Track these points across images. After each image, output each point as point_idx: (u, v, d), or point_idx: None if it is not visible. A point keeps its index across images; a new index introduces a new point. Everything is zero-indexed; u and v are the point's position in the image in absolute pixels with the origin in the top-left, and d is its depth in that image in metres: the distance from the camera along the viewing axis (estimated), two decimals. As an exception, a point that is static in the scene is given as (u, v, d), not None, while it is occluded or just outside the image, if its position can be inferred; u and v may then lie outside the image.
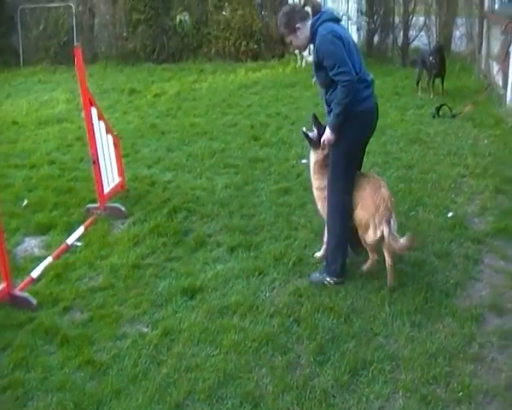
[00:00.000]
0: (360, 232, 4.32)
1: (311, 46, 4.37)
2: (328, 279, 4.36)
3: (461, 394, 3.26)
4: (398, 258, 4.63)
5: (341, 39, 4.07)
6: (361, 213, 4.27)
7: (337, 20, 4.31)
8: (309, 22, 4.18)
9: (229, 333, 3.84)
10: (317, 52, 4.13)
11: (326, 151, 4.37)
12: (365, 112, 4.24)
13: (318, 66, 4.16)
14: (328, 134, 4.21)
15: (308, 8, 4.24)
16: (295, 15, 4.20)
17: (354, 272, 4.47)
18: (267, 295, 4.29)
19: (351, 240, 4.48)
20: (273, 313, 4.04)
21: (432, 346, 3.65)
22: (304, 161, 6.79)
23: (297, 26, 4.17)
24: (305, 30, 4.19)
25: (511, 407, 3.16)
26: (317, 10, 4.21)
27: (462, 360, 3.53)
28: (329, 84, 4.17)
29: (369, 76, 4.33)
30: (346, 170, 4.31)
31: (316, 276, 4.45)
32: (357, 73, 4.09)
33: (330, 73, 4.05)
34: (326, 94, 4.27)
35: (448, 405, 3.20)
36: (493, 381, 3.36)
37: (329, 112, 4.28)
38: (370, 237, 4.24)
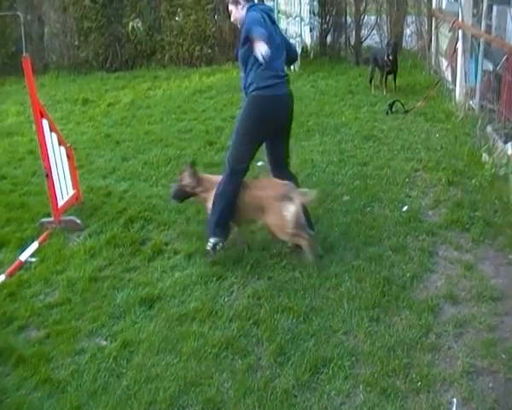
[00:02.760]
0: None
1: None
2: (210, 241, 4.74)
3: (419, 384, 3.33)
4: (355, 254, 4.72)
5: (265, 22, 4.49)
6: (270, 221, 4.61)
7: (268, 11, 4.77)
8: (246, 6, 4.64)
9: (188, 340, 3.82)
10: (245, 32, 4.44)
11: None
12: (268, 97, 4.54)
13: (243, 41, 4.49)
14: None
15: None
16: None
17: (312, 271, 4.49)
18: (226, 299, 4.29)
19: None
20: (232, 317, 4.04)
21: (390, 339, 3.71)
22: (260, 163, 6.79)
23: (238, 4, 4.67)
24: (242, 10, 4.66)
25: (467, 392, 3.23)
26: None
27: (419, 351, 3.61)
28: (247, 63, 4.53)
29: (283, 72, 4.70)
30: (242, 147, 4.67)
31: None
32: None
33: (249, 35, 4.33)
34: (244, 73, 4.63)
35: (407, 395, 3.26)
36: (450, 368, 3.45)
37: (245, 88, 4.65)
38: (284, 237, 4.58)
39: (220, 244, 4.75)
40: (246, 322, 3.98)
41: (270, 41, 4.29)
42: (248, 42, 4.39)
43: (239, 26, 4.74)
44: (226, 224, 4.77)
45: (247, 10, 4.61)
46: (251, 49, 4.31)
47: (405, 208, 5.53)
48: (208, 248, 4.76)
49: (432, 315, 3.93)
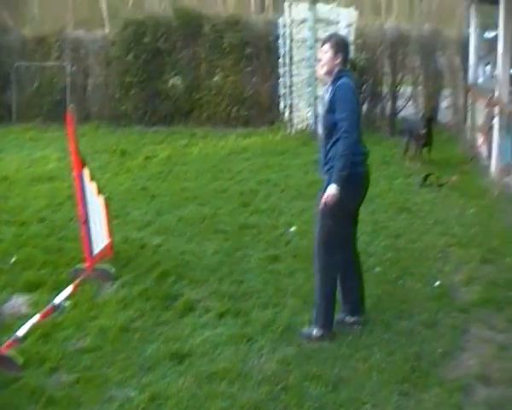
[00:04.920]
0: None
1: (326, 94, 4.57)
2: (315, 332, 4.51)
3: None
4: (385, 327, 4.71)
5: (356, 98, 4.48)
6: None
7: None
8: (341, 66, 4.45)
9: (216, 400, 3.81)
10: (335, 92, 4.34)
11: None
12: (357, 175, 4.37)
13: (330, 106, 4.37)
14: (332, 189, 4.24)
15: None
16: (347, 50, 4.56)
17: (342, 341, 4.49)
18: (255, 362, 4.28)
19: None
20: (261, 381, 4.03)
21: (419, 416, 3.67)
22: (292, 229, 6.89)
23: (340, 54, 4.43)
24: (337, 63, 4.44)
25: None
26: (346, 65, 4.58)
27: (449, 432, 3.56)
28: (332, 130, 4.34)
29: (366, 147, 4.54)
30: (336, 231, 4.45)
31: (304, 332, 4.60)
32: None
33: (338, 116, 4.27)
34: (326, 144, 4.44)
35: None
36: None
37: (325, 163, 4.44)
38: None
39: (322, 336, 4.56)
40: (274, 387, 3.96)
41: (355, 110, 4.39)
42: (333, 111, 4.33)
43: (323, 73, 4.57)
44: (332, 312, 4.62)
45: (342, 73, 4.43)
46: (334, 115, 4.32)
47: (437, 284, 5.51)
48: (311, 335, 4.57)
49: (463, 395, 3.86)
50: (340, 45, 4.47)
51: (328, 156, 4.41)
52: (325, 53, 4.45)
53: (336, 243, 4.52)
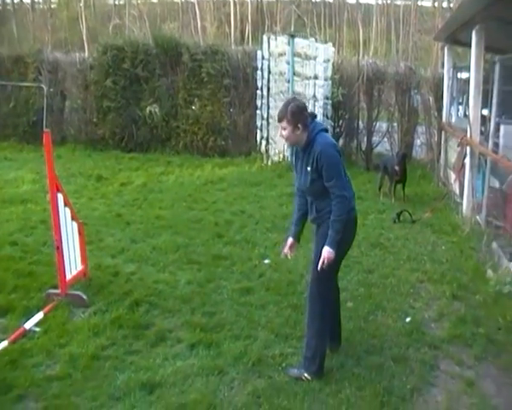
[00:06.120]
0: None
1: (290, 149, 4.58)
2: (306, 375, 4.48)
3: None
4: (356, 362, 4.76)
5: (339, 154, 4.40)
6: None
7: (327, 131, 4.56)
8: (306, 129, 4.36)
9: (186, 432, 3.83)
10: (317, 160, 4.28)
11: None
12: (350, 220, 4.44)
13: (315, 173, 4.33)
14: (328, 252, 4.30)
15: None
16: (304, 114, 4.37)
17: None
18: (226, 394, 4.30)
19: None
20: (231, 413, 4.05)
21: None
22: (267, 261, 6.93)
23: (299, 125, 4.32)
24: (302, 132, 4.35)
25: None
26: (311, 117, 4.45)
27: None
28: (321, 194, 4.37)
29: (352, 190, 4.55)
30: (330, 274, 4.51)
31: (293, 371, 4.56)
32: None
33: (327, 184, 4.29)
34: (315, 200, 4.48)
35: None
36: None
37: (315, 219, 4.51)
38: None
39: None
40: (244, 419, 4.00)
41: (341, 170, 4.36)
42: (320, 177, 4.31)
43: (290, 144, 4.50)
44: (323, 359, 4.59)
45: (314, 132, 4.36)
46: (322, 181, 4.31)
47: (408, 319, 5.60)
48: (302, 376, 4.51)
49: (431, 432, 3.95)
50: (296, 114, 4.31)
51: (317, 210, 4.47)
52: (284, 129, 4.37)
53: (330, 285, 4.63)
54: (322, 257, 4.31)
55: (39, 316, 5.34)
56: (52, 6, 43.51)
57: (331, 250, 4.30)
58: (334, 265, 4.44)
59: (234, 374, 4.55)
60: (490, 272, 6.60)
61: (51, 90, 15.51)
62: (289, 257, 4.82)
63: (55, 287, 5.80)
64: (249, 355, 4.77)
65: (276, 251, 7.00)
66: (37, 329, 5.16)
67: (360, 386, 4.42)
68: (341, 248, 4.44)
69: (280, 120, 4.38)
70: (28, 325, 5.17)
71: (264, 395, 4.28)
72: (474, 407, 4.23)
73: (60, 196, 5.78)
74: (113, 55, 14.81)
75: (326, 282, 4.53)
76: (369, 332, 5.31)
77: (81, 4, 41.92)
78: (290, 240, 4.77)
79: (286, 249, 4.78)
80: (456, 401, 4.30)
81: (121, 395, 4.23)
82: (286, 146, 13.03)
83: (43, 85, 15.38)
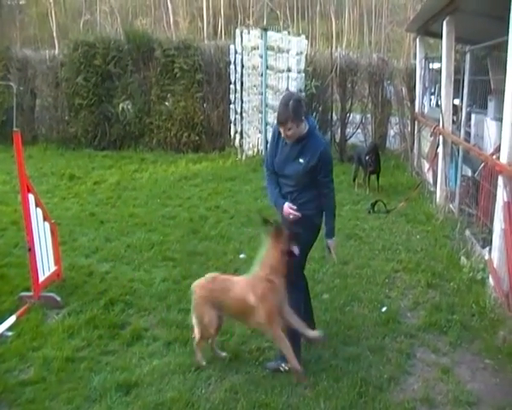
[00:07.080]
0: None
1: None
2: (283, 365, 4.48)
3: None
4: (333, 353, 4.77)
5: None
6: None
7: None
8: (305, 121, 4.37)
9: (163, 431, 3.80)
10: (318, 157, 4.32)
11: None
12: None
13: (309, 167, 4.34)
14: (333, 241, 4.73)
15: None
16: (302, 104, 4.33)
17: (288, 368, 4.50)
18: (203, 391, 4.28)
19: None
20: (209, 410, 4.02)
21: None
22: (242, 255, 6.91)
23: (303, 117, 4.30)
24: (303, 125, 4.35)
25: None
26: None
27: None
28: (306, 185, 4.44)
29: None
30: (302, 262, 4.67)
31: (271, 364, 4.57)
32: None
33: (324, 179, 4.40)
34: (296, 190, 4.48)
35: None
36: None
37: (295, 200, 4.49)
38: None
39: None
40: (222, 416, 3.97)
41: None
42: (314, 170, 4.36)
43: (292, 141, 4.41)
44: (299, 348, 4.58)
45: (312, 128, 4.40)
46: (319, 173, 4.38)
47: (384, 309, 5.64)
48: (280, 367, 4.52)
49: (408, 419, 3.96)
50: (298, 109, 4.24)
51: (295, 199, 4.46)
52: (289, 129, 4.29)
53: (301, 273, 4.76)
54: (332, 250, 4.76)
55: (12, 320, 5.24)
56: (21, 2, 42.86)
57: (333, 238, 4.72)
58: (306, 252, 4.65)
59: (211, 371, 4.53)
60: (463, 260, 6.66)
61: (21, 88, 15.28)
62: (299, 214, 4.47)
63: (28, 289, 5.71)
64: (226, 351, 4.76)
65: (252, 245, 6.99)
66: (10, 333, 5.07)
67: (337, 377, 4.43)
68: (314, 238, 4.63)
69: (284, 123, 4.28)
70: (0, 329, 5.07)
71: (241, 390, 4.27)
72: (449, 393, 4.27)
73: (31, 197, 5.68)
74: (85, 51, 14.63)
75: (298, 270, 4.61)
76: (345, 323, 5.32)
77: (51, 0, 41.43)
78: (287, 203, 4.51)
79: (290, 210, 4.45)
80: (432, 389, 4.34)
81: (97, 397, 4.18)
82: (260, 140, 13.01)
83: (12, 84, 15.09)
